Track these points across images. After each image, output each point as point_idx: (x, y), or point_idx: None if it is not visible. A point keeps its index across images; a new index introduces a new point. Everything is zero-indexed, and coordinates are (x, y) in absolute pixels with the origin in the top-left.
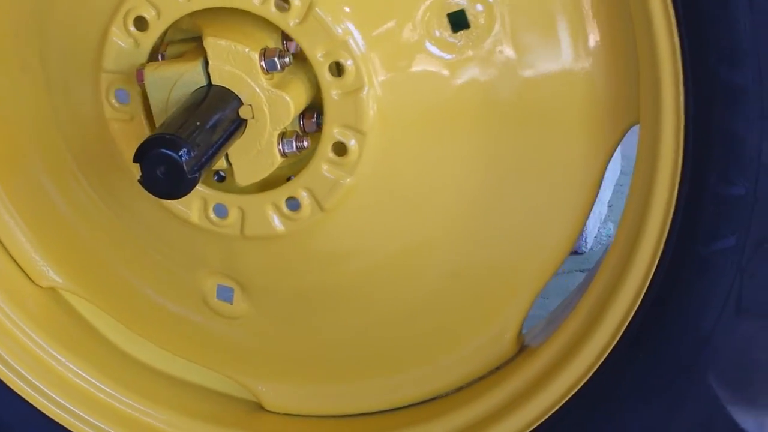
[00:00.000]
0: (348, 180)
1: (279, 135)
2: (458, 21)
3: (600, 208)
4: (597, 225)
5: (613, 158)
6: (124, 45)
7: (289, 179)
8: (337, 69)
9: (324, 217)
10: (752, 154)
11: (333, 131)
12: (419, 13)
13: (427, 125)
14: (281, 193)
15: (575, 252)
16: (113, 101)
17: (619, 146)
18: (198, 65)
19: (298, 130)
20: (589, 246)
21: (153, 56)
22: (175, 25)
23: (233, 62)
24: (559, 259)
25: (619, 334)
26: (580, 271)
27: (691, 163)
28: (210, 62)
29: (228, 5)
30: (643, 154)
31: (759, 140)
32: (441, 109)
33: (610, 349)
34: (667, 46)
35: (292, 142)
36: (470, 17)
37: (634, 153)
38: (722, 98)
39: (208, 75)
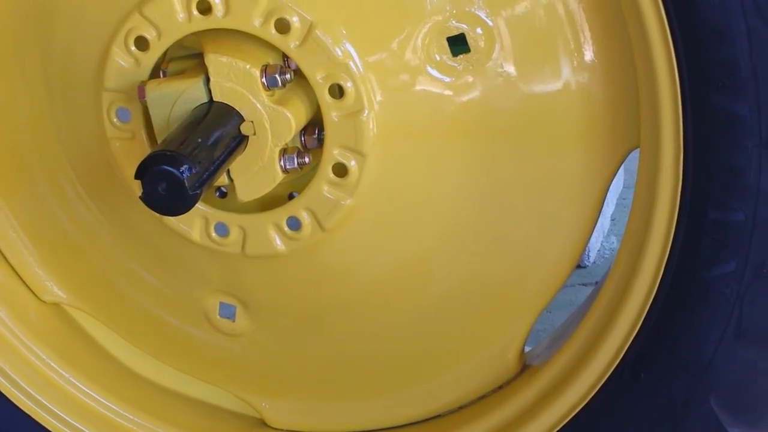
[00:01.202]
0: (348, 201)
1: (280, 151)
2: (458, 45)
3: (603, 222)
4: (600, 239)
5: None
6: (125, 64)
7: (290, 195)
8: (338, 91)
9: (325, 236)
10: (751, 181)
11: (333, 152)
12: (419, 37)
13: (427, 145)
14: (282, 213)
15: (578, 266)
16: (114, 120)
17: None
18: (199, 82)
19: (300, 147)
20: (592, 260)
21: (154, 73)
22: (176, 43)
23: (234, 79)
24: (563, 277)
25: (620, 357)
26: (583, 285)
27: (690, 189)
28: (211, 79)
29: (228, 27)
30: (643, 179)
31: (758, 167)
32: (441, 130)
33: (611, 371)
34: (667, 75)
35: (294, 159)
36: (470, 41)
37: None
38: (721, 126)
39: (209, 91)
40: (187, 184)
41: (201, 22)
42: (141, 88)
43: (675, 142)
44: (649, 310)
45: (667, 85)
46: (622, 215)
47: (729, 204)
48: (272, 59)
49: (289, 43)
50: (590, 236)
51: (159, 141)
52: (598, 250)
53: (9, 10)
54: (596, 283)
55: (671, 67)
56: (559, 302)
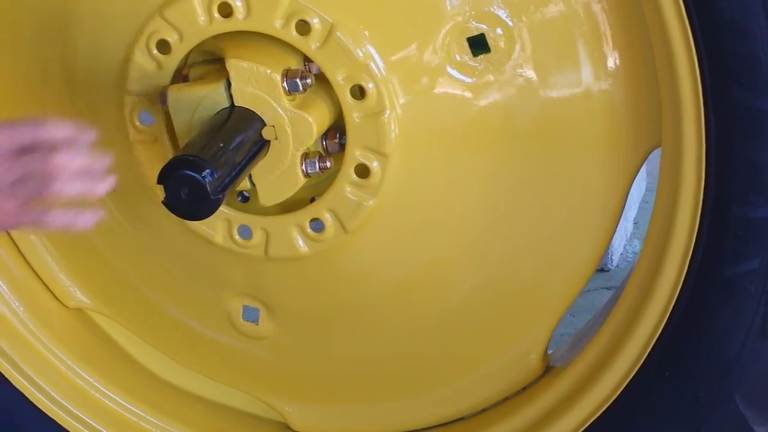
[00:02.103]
0: (371, 202)
1: (302, 155)
2: (479, 45)
3: (626, 225)
4: (623, 242)
5: (638, 175)
6: (148, 67)
7: (312, 200)
8: (359, 92)
9: (348, 238)
10: None
11: (355, 153)
12: (440, 37)
13: (449, 146)
14: (305, 215)
15: (601, 269)
16: (137, 123)
17: (645, 164)
18: (221, 87)
19: (321, 151)
20: (615, 263)
21: (176, 78)
22: (197, 47)
23: (256, 83)
24: (584, 279)
25: (645, 356)
26: (606, 288)
27: (713, 186)
28: (232, 84)
29: (249, 29)
30: (665, 177)
31: None
32: (462, 131)
33: (635, 371)
34: (688, 73)
35: (315, 163)
36: (490, 41)
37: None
38: (743, 123)
39: (230, 96)
40: (209, 189)
41: (222, 25)
42: (163, 93)
43: (697, 140)
44: (673, 308)
45: (688, 81)
46: (645, 218)
47: (752, 200)
48: (293, 64)
49: (310, 45)
50: (612, 238)
51: (181, 146)
52: (621, 254)
53: (30, 16)
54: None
55: (692, 64)
56: (582, 306)
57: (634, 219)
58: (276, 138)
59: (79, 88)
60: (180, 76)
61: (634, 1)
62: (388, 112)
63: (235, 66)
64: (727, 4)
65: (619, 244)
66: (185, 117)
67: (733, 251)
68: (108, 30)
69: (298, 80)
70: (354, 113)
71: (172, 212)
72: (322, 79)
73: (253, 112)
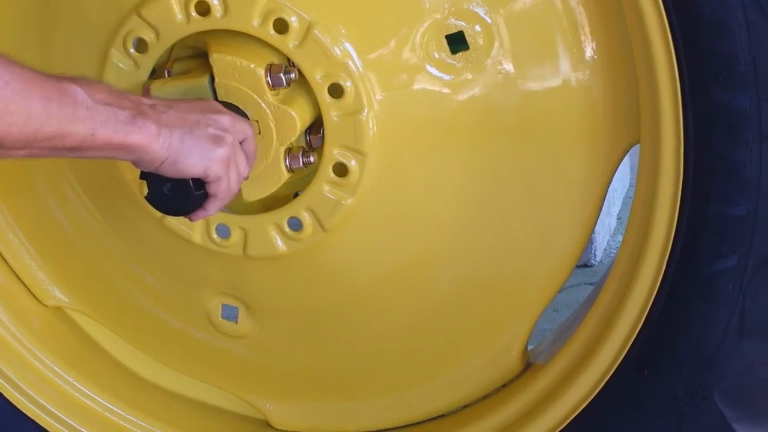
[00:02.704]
0: (349, 200)
1: (285, 150)
2: (457, 42)
3: (609, 221)
4: (606, 238)
5: (622, 171)
6: (124, 66)
7: (296, 195)
8: (337, 90)
9: (326, 236)
10: (752, 175)
11: (333, 152)
12: (418, 35)
13: (428, 143)
14: (283, 214)
15: (585, 265)
16: None
17: (629, 159)
18: (204, 81)
19: (305, 146)
20: (598, 259)
21: (159, 73)
22: (181, 42)
23: (239, 78)
24: (565, 275)
25: (624, 354)
26: (589, 284)
27: (691, 184)
28: (216, 78)
29: (227, 28)
30: (644, 174)
31: (758, 161)
32: (441, 127)
33: (614, 369)
34: (666, 70)
35: (299, 158)
36: (469, 38)
37: None
38: (721, 120)
39: (214, 91)
40: (191, 184)
41: (199, 23)
42: (146, 88)
43: (675, 136)
44: (651, 306)
45: (666, 79)
46: (629, 214)
47: (730, 198)
48: (277, 58)
49: (288, 43)
50: (592, 233)
51: None
52: (605, 249)
53: (10, 16)
54: None
55: (670, 61)
56: (565, 301)
57: (618, 214)
58: (259, 133)
59: None
60: (161, 73)
61: None
62: (366, 110)
63: (218, 61)
64: (706, 2)
65: (602, 239)
66: None
67: (711, 249)
68: (85, 28)
69: (281, 75)
70: (332, 112)
71: (155, 208)
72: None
73: (237, 107)
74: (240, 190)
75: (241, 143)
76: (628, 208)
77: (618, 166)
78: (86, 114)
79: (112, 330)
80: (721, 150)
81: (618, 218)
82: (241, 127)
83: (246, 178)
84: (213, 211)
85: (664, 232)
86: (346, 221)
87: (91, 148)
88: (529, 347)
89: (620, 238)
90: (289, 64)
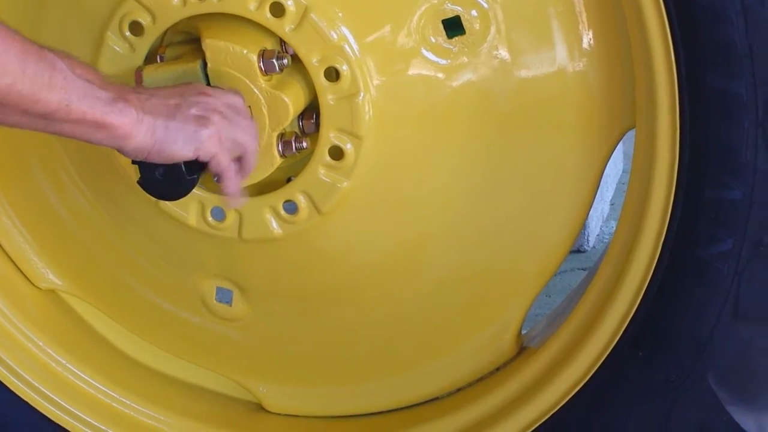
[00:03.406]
0: (345, 183)
1: (278, 136)
2: (453, 27)
3: (602, 207)
4: (599, 223)
5: (615, 157)
6: (120, 50)
7: (288, 180)
8: (333, 74)
9: (321, 219)
10: (747, 159)
11: (329, 135)
12: (414, 19)
13: (423, 127)
14: (279, 197)
15: (578, 250)
16: None
17: (622, 145)
18: (197, 67)
19: (297, 131)
20: (591, 244)
21: (152, 58)
22: (173, 28)
23: (232, 64)
24: (558, 260)
25: (618, 336)
26: (582, 269)
27: (687, 168)
28: (209, 63)
29: (223, 11)
30: (639, 158)
31: (754, 145)
32: (437, 112)
33: (609, 351)
34: (663, 55)
35: (291, 143)
36: (465, 23)
37: None
38: (717, 105)
39: (207, 76)
40: (184, 169)
41: (196, 6)
42: (138, 73)
43: (671, 122)
44: (646, 289)
45: (662, 64)
46: (622, 200)
47: (726, 182)
48: (269, 44)
49: (284, 27)
50: (586, 218)
51: None
52: (597, 235)
53: None
54: None
55: (667, 47)
56: (558, 287)
57: (611, 200)
58: (252, 118)
59: None
60: (155, 57)
61: None
62: (362, 94)
63: (211, 46)
64: None
65: (595, 225)
66: None
67: (706, 232)
68: (81, 11)
69: (274, 60)
70: (328, 95)
71: (147, 192)
72: (298, 59)
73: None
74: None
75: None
76: (621, 194)
77: (613, 152)
78: (63, 83)
79: (106, 313)
80: (717, 135)
81: (611, 204)
82: (229, 100)
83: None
84: (235, 187)
85: (659, 216)
86: (341, 205)
87: (65, 120)
88: (523, 332)
89: (613, 223)
90: (282, 49)
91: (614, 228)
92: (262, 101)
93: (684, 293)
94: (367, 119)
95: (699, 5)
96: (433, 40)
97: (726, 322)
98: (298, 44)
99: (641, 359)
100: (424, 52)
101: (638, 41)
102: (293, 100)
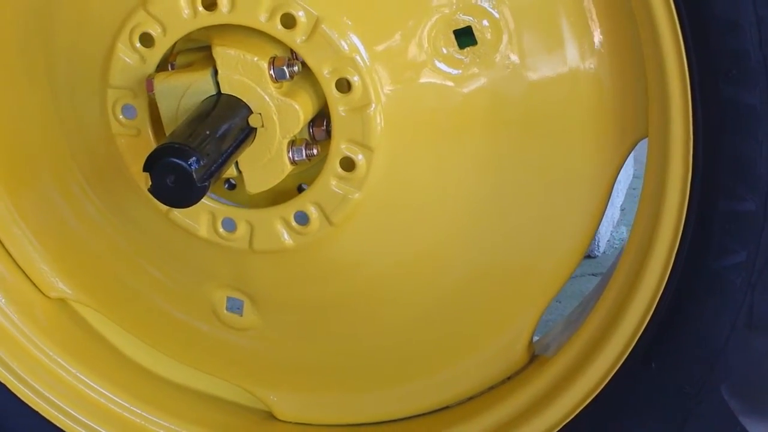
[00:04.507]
0: (356, 195)
1: (289, 143)
2: (465, 38)
3: (613, 212)
4: (610, 229)
5: (626, 163)
6: (130, 61)
7: (299, 187)
8: (345, 85)
9: (333, 230)
10: (762, 171)
11: (341, 146)
12: (425, 30)
13: (435, 137)
14: (290, 208)
15: (588, 256)
16: (120, 117)
17: (633, 152)
18: (207, 74)
19: (308, 138)
20: (602, 250)
21: (163, 66)
22: (184, 35)
23: (242, 71)
24: (571, 267)
25: (631, 348)
26: (593, 275)
27: (701, 179)
28: (219, 71)
29: (234, 23)
30: (652, 169)
31: None
32: (449, 123)
33: (622, 361)
34: (676, 66)
35: (302, 150)
36: (477, 33)
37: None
38: (732, 117)
39: (217, 84)
40: (195, 177)
41: (206, 18)
42: (149, 81)
43: (684, 132)
44: (659, 299)
45: (676, 75)
46: (632, 205)
47: (740, 194)
48: (280, 51)
49: (296, 38)
50: (598, 226)
51: (167, 133)
52: (608, 240)
53: (13, 8)
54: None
55: (681, 58)
56: (568, 292)
57: (621, 206)
58: (263, 126)
59: (62, 81)
60: (165, 64)
61: None
62: (373, 105)
63: (221, 54)
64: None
65: (605, 230)
66: (172, 105)
67: (719, 244)
68: (90, 23)
69: (285, 68)
70: (339, 107)
71: (158, 199)
72: (308, 66)
73: (240, 99)
74: (244, 183)
75: None
76: (631, 200)
77: (625, 161)
78: None
79: (116, 322)
80: (731, 146)
81: (621, 209)
82: None
83: None
84: None
85: (672, 227)
86: (352, 216)
87: None
88: (535, 339)
89: (624, 229)
90: (293, 56)
91: (624, 233)
92: (273, 109)
93: (697, 304)
94: (378, 131)
95: (712, 15)
96: (445, 51)
97: (739, 333)
98: (309, 56)
99: (654, 370)
100: (436, 63)
101: (652, 51)
102: (303, 108)
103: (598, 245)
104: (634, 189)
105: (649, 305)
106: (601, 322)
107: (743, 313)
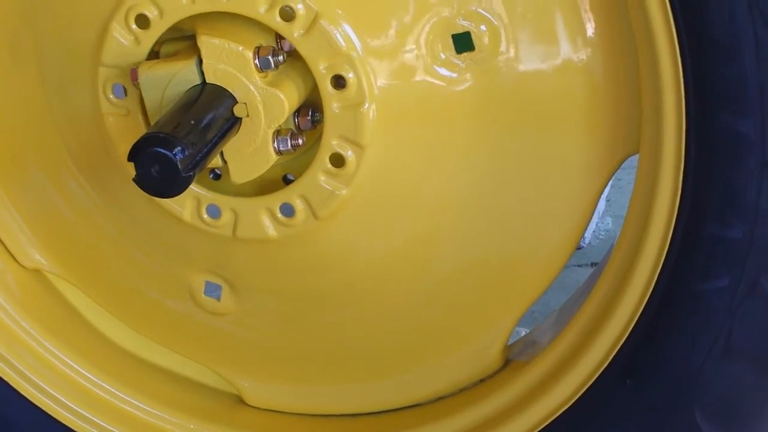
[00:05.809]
0: (344, 191)
1: (274, 133)
2: (463, 43)
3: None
4: (595, 220)
5: None
6: (125, 41)
7: (285, 177)
8: (340, 82)
9: (318, 224)
10: (751, 200)
11: (332, 142)
12: (423, 33)
13: (426, 134)
14: (276, 199)
15: None
16: (110, 96)
17: None
18: (192, 64)
19: (293, 128)
20: (587, 240)
21: (151, 54)
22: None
23: (227, 60)
24: (551, 274)
25: (608, 362)
26: (577, 266)
27: (689, 203)
28: (204, 61)
29: (232, 11)
30: (641, 187)
31: (758, 187)
32: (441, 124)
33: (597, 375)
34: (673, 93)
35: (287, 140)
36: (475, 39)
37: None
38: (724, 144)
39: (202, 73)
40: (180, 166)
41: (205, 4)
42: (134, 71)
43: (676, 155)
44: (639, 317)
45: (672, 102)
46: (617, 196)
47: (727, 220)
48: (265, 41)
49: (294, 32)
50: (587, 226)
51: (152, 123)
52: (593, 231)
53: None
54: (591, 264)
55: (677, 84)
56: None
57: (607, 197)
58: (248, 115)
59: (51, 59)
60: (152, 54)
61: (621, 6)
62: (367, 104)
63: (206, 43)
64: (718, 27)
65: (591, 221)
66: (156, 94)
67: (704, 267)
68: (85, 2)
69: (270, 57)
70: (333, 103)
71: (143, 189)
72: (294, 56)
73: (225, 89)
74: (229, 172)
75: None
76: (616, 191)
77: (614, 173)
78: None
79: (92, 297)
80: (722, 174)
81: (607, 200)
82: None
83: None
84: None
85: (657, 245)
86: (339, 211)
87: None
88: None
89: (609, 220)
90: (278, 46)
91: (610, 224)
92: (258, 98)
93: (677, 325)
94: (370, 129)
95: (712, 43)
96: (443, 56)
97: (716, 358)
98: (306, 50)
99: (629, 387)
100: (433, 66)
101: (649, 74)
102: (289, 98)
103: (584, 236)
104: (619, 180)
105: (629, 322)
106: (580, 334)
107: (722, 338)
